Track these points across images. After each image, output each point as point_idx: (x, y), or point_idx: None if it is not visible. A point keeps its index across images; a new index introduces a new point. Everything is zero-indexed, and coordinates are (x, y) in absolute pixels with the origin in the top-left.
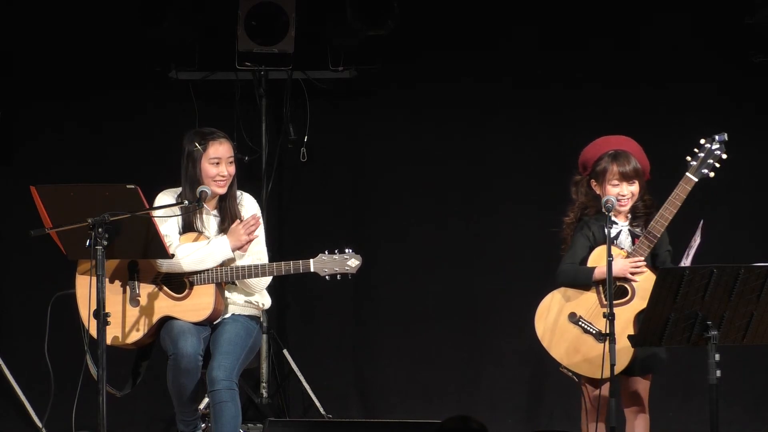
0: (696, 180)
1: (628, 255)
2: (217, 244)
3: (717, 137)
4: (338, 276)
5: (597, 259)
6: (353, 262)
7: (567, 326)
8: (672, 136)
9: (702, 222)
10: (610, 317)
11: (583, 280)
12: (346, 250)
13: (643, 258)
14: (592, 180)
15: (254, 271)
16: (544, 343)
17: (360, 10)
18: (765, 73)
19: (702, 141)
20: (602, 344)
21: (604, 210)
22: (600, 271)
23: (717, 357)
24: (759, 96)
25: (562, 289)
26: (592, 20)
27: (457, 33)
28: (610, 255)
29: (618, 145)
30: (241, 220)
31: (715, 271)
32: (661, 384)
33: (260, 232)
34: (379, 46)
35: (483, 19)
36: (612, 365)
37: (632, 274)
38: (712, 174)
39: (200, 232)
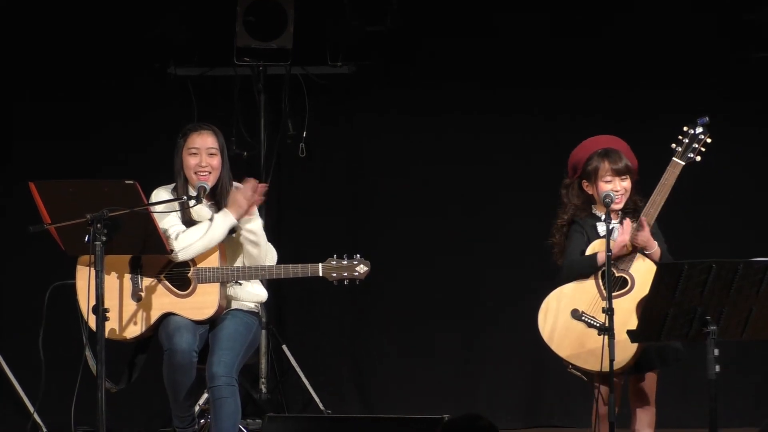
0: (683, 164)
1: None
2: (219, 219)
3: (699, 121)
4: (346, 281)
5: (595, 249)
6: (362, 268)
7: (571, 324)
8: (670, 133)
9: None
10: (609, 312)
11: (588, 265)
12: (356, 256)
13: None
14: (584, 181)
15: (261, 272)
16: (552, 346)
17: (359, 5)
18: (763, 69)
19: (685, 128)
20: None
21: (603, 204)
22: (602, 256)
23: (716, 352)
24: (758, 92)
25: (559, 288)
26: (590, 19)
27: (457, 28)
28: (609, 250)
29: (607, 143)
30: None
31: (714, 266)
32: (659, 379)
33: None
34: (378, 42)
35: (484, 14)
36: (611, 360)
37: (635, 239)
38: (698, 158)
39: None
